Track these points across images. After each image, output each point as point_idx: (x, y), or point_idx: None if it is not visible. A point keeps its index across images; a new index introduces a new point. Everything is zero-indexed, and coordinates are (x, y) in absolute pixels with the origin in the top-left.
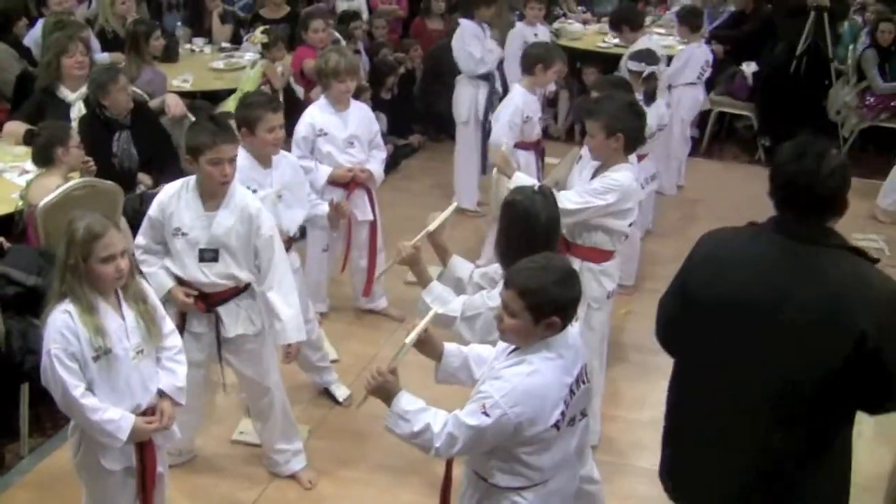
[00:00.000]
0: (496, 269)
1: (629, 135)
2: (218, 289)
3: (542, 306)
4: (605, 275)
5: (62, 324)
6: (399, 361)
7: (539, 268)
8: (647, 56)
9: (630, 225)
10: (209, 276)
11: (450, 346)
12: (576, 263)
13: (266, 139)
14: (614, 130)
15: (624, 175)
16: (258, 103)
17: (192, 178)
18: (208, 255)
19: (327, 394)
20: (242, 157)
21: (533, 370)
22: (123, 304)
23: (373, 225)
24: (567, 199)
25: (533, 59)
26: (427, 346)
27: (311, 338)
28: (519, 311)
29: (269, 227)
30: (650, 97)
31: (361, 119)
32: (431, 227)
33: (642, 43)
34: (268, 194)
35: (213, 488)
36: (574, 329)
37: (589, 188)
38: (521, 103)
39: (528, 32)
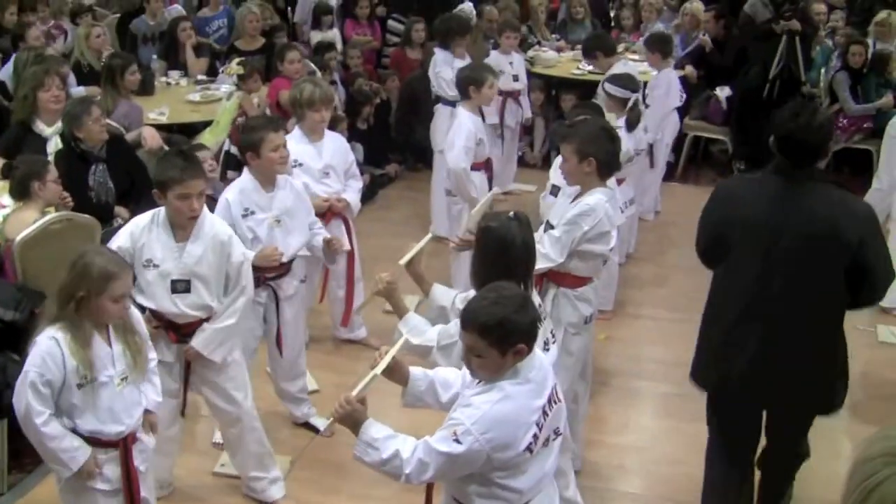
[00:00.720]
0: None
1: (601, 159)
2: (189, 319)
3: (506, 338)
4: (581, 300)
5: (46, 349)
6: (367, 390)
7: (492, 303)
8: (629, 81)
9: (610, 249)
10: (181, 307)
11: (415, 371)
12: (552, 289)
13: (272, 158)
14: (587, 154)
15: (596, 199)
16: (260, 125)
17: (161, 210)
18: (180, 286)
19: (307, 426)
20: (246, 180)
21: (503, 396)
22: (112, 332)
23: (350, 255)
24: (545, 258)
25: (465, 83)
26: (394, 372)
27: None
28: (484, 349)
29: (239, 252)
30: (634, 123)
31: (336, 149)
32: (405, 258)
33: (618, 68)
34: (266, 218)
35: None
36: (540, 351)
37: (563, 223)
38: (472, 126)
39: (503, 61)
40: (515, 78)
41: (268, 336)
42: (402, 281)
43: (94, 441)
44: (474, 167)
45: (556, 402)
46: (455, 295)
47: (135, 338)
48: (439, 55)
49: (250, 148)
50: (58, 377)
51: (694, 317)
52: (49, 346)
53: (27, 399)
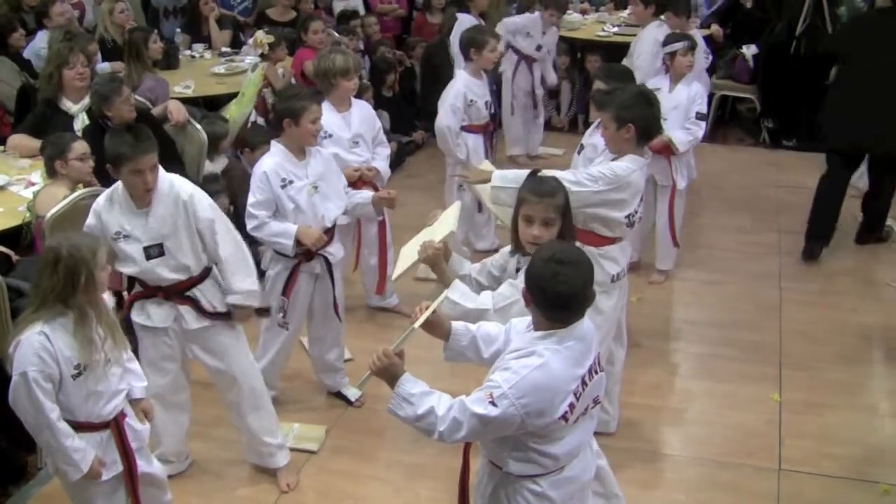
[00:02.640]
0: (492, 262)
1: (640, 124)
2: (173, 282)
3: (527, 285)
4: (606, 258)
5: (39, 346)
6: (405, 344)
7: (540, 250)
8: (684, 37)
9: (629, 216)
10: (159, 271)
11: (457, 325)
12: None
13: (310, 129)
14: (625, 121)
15: (623, 166)
16: (303, 94)
17: (119, 184)
18: (154, 251)
19: (339, 396)
20: (278, 150)
21: (542, 363)
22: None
23: (381, 223)
24: (563, 178)
25: (467, 45)
26: (435, 327)
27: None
28: (528, 297)
29: (205, 207)
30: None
31: (364, 118)
32: (446, 228)
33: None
34: (304, 186)
35: (230, 492)
36: (588, 321)
37: (585, 172)
38: (463, 87)
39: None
40: (538, 47)
41: (319, 305)
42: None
43: (88, 426)
44: (470, 129)
45: (596, 372)
46: (471, 266)
47: (108, 315)
48: (464, 20)
49: (290, 115)
50: (55, 371)
51: (726, 277)
52: (41, 341)
53: (38, 398)
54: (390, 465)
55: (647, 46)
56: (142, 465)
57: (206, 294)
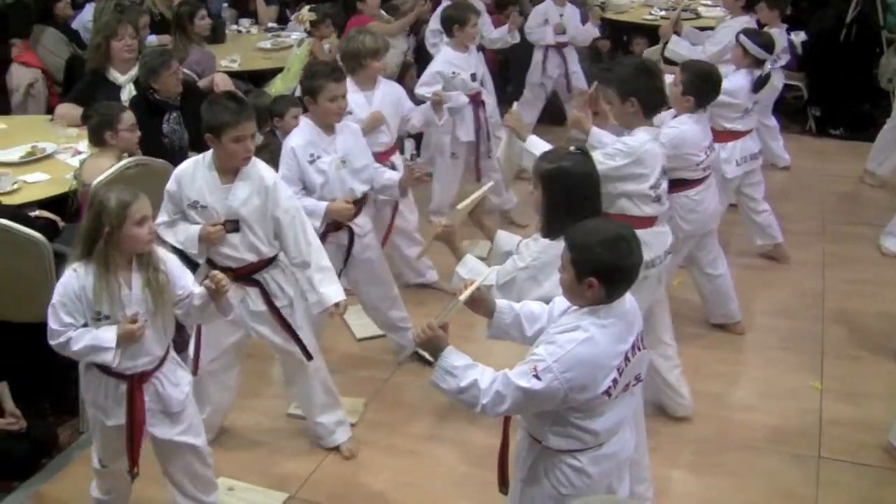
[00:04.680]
0: (534, 237)
1: (643, 97)
2: (242, 263)
3: (582, 263)
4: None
5: (66, 280)
6: (450, 317)
7: (592, 228)
8: (769, 42)
9: (653, 188)
10: (233, 247)
11: (501, 303)
12: None
13: (327, 108)
14: (628, 95)
15: (636, 139)
16: (321, 73)
17: (207, 154)
18: (230, 226)
19: (417, 356)
20: (306, 125)
21: (587, 337)
22: (134, 273)
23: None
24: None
25: (449, 22)
26: (479, 304)
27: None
28: (566, 264)
29: (287, 197)
30: (763, 83)
31: (388, 97)
32: (462, 204)
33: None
34: (332, 160)
35: (270, 462)
36: (630, 296)
37: (601, 151)
38: (443, 60)
39: (554, 11)
40: (563, 31)
41: (359, 275)
42: (468, 226)
43: (107, 371)
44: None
45: (639, 349)
46: (519, 240)
47: (157, 275)
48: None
49: (309, 93)
50: (78, 309)
51: (769, 264)
52: (70, 276)
53: (49, 324)
54: (428, 440)
55: (727, 37)
56: (163, 432)
57: (275, 278)
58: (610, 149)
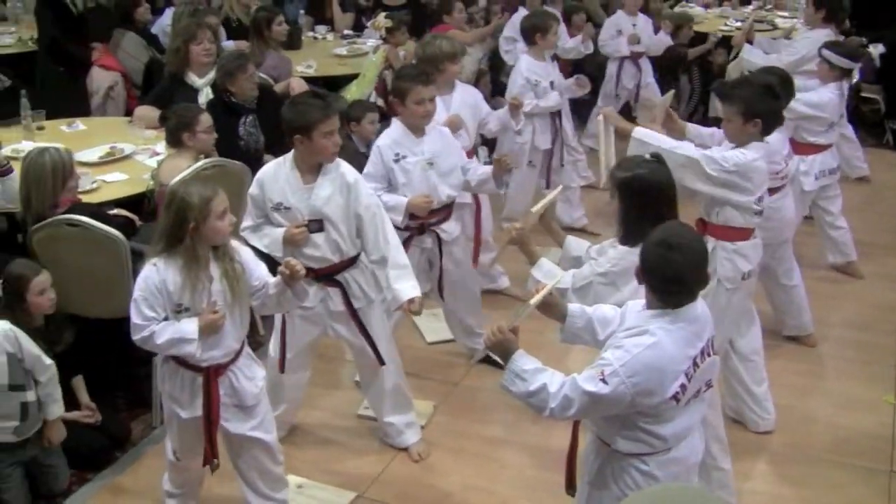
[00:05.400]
0: (611, 242)
1: (767, 119)
2: (325, 263)
3: (641, 262)
4: (739, 254)
5: (148, 273)
6: (521, 321)
7: (654, 232)
8: (854, 51)
9: (757, 202)
10: (316, 247)
11: (573, 307)
12: (710, 242)
13: (414, 111)
14: (752, 115)
15: (747, 154)
16: (409, 75)
17: (288, 155)
18: (314, 226)
19: (487, 360)
20: (395, 127)
21: (654, 342)
22: (212, 264)
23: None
24: (697, 152)
25: (532, 30)
26: (551, 308)
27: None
28: (640, 277)
29: (368, 194)
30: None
31: (466, 101)
32: (537, 207)
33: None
34: (418, 161)
35: (339, 461)
36: (702, 301)
37: (720, 152)
38: (526, 70)
39: (626, 22)
40: (637, 41)
41: (446, 279)
42: (537, 233)
43: (183, 363)
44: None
45: (708, 355)
46: (589, 246)
47: (233, 265)
48: None
49: (397, 95)
50: (159, 302)
51: (842, 277)
52: (150, 271)
53: (132, 319)
54: (497, 443)
55: (805, 48)
56: (236, 427)
57: (356, 279)
58: (728, 154)
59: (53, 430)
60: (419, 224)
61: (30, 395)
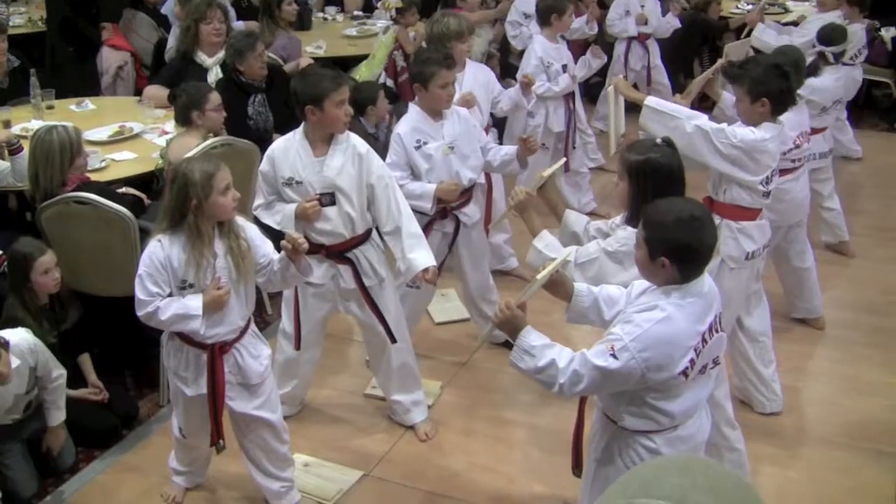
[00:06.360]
0: (610, 224)
1: (774, 98)
2: (336, 239)
3: (654, 242)
4: (743, 234)
5: (152, 251)
6: (528, 297)
7: (665, 208)
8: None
9: (764, 182)
10: (328, 220)
11: (580, 286)
12: (716, 220)
13: (439, 95)
14: (759, 95)
15: (757, 133)
16: (433, 60)
17: (298, 130)
18: (326, 200)
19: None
20: (414, 112)
21: (665, 316)
22: (217, 241)
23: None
24: (708, 125)
25: (548, 11)
26: (558, 286)
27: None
28: (640, 242)
29: (380, 165)
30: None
31: (477, 79)
32: (545, 172)
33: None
34: (439, 146)
35: (346, 439)
36: (709, 277)
37: (725, 126)
38: (541, 51)
39: (635, 3)
40: (645, 22)
41: (463, 263)
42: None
43: (188, 340)
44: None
45: (716, 331)
46: (587, 221)
47: (239, 242)
48: None
49: (420, 80)
50: (164, 278)
51: (853, 261)
52: (155, 247)
53: (137, 294)
54: (503, 423)
55: (816, 30)
56: (240, 405)
57: (367, 256)
58: (739, 130)
59: (53, 437)
60: (442, 208)
61: (34, 394)
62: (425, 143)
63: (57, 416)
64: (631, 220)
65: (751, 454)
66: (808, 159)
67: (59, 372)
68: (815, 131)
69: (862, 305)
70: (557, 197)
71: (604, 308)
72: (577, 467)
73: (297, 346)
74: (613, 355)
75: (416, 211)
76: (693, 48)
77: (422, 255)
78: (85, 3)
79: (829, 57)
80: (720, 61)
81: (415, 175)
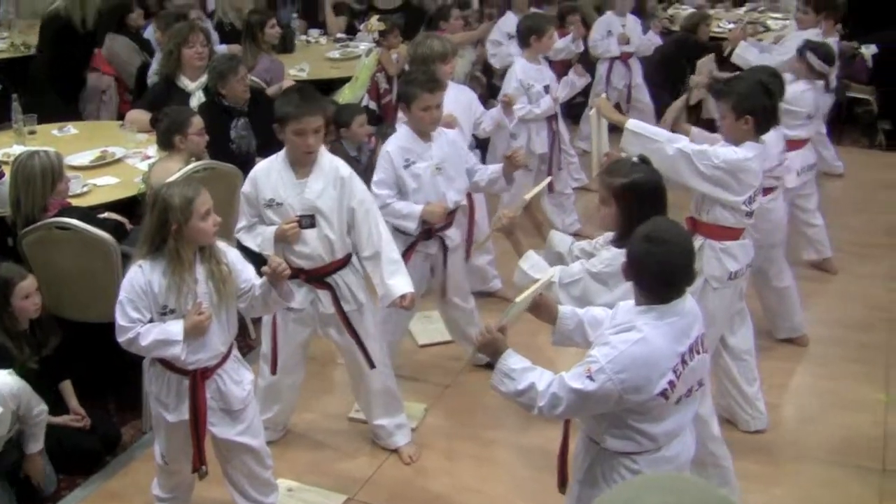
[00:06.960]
0: (594, 244)
1: (759, 116)
2: (316, 263)
3: (628, 261)
4: (727, 254)
5: (133, 275)
6: (510, 321)
7: (644, 236)
8: (829, 55)
9: (746, 203)
10: (307, 244)
11: (564, 309)
12: (698, 240)
13: (420, 117)
14: (744, 112)
15: (739, 152)
16: (416, 81)
17: (282, 151)
18: (306, 222)
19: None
20: (403, 132)
21: (640, 338)
22: (198, 265)
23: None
24: (690, 147)
25: (527, 32)
26: (542, 310)
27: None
28: (626, 273)
29: (362, 190)
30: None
31: (459, 100)
32: (528, 195)
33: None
34: (427, 166)
35: (330, 463)
36: (690, 297)
37: (713, 148)
38: (521, 73)
39: (616, 22)
40: (627, 41)
41: (444, 286)
42: (523, 233)
43: (170, 366)
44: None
45: (698, 352)
46: (572, 241)
47: (220, 266)
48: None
49: (404, 100)
50: (145, 304)
51: (836, 277)
52: (135, 272)
53: (117, 321)
54: (487, 444)
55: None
56: (223, 431)
57: (346, 281)
58: (720, 151)
59: (31, 464)
60: (426, 229)
61: (15, 429)
62: (414, 163)
63: (34, 445)
64: (618, 241)
65: (736, 472)
66: (802, 171)
67: (41, 408)
68: (800, 143)
69: (845, 322)
70: (542, 217)
71: (588, 330)
72: (563, 485)
73: (274, 371)
74: (590, 377)
75: (399, 231)
76: (680, 69)
77: (400, 281)
78: (82, 43)
79: (816, 65)
80: (684, 96)
81: (401, 194)
